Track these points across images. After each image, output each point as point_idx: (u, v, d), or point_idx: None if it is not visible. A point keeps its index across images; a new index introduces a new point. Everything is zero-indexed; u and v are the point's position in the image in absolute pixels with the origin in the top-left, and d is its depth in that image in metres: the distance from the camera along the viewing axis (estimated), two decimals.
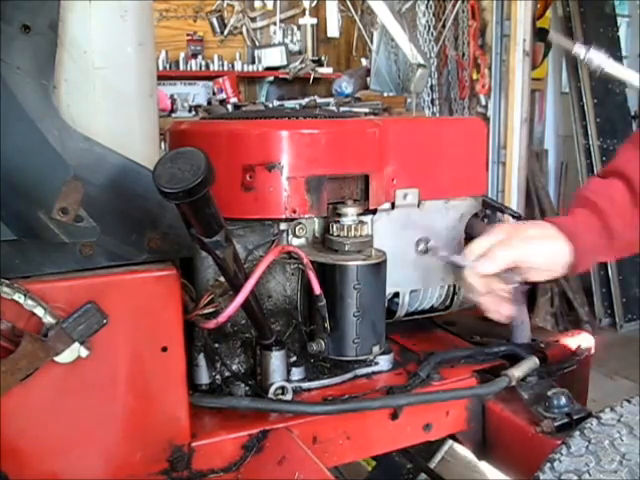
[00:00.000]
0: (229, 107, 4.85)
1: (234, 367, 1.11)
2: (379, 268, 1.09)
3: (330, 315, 1.06)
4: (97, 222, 0.88)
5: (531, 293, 1.28)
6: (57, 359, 0.84)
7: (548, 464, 0.90)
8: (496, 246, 1.05)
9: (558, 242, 1.06)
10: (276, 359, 1.07)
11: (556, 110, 5.13)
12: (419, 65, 3.29)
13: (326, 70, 5.40)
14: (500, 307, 1.10)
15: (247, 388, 1.08)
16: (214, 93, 5.16)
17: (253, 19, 5.42)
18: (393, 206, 1.19)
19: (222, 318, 0.98)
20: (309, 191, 1.08)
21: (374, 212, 1.17)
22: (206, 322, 1.01)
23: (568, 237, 1.06)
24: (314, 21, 5.32)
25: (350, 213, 1.09)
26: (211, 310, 1.04)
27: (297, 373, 1.12)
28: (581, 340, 1.30)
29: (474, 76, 4.14)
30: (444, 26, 4.25)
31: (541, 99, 4.77)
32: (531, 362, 1.17)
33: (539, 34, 4.13)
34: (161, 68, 4.90)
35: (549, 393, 1.09)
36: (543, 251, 1.06)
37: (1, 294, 0.81)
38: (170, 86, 5.09)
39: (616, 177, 1.12)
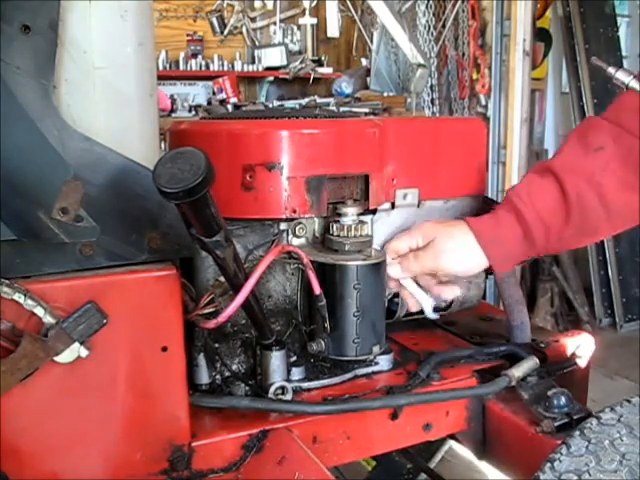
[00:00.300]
0: (229, 107, 4.85)
1: (234, 367, 1.11)
2: (379, 268, 1.09)
3: (330, 315, 1.06)
4: (97, 222, 0.88)
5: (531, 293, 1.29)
6: (57, 359, 0.84)
7: (548, 464, 0.90)
8: (409, 257, 1.11)
9: (473, 251, 1.07)
10: (276, 359, 1.07)
11: (556, 110, 5.14)
12: (419, 65, 3.29)
13: (326, 70, 5.40)
14: (408, 300, 1.16)
15: (247, 388, 1.08)
16: (214, 93, 5.16)
17: (253, 19, 5.42)
18: (393, 206, 1.19)
19: (222, 318, 0.98)
20: (309, 191, 1.08)
21: (374, 212, 1.17)
22: (206, 322, 1.01)
23: (484, 247, 1.06)
24: (314, 21, 5.31)
25: (350, 213, 1.09)
26: (211, 310, 1.04)
27: (297, 373, 1.12)
28: (581, 340, 1.30)
29: (474, 76, 4.15)
30: (444, 26, 4.26)
31: (541, 99, 4.77)
32: (531, 362, 1.17)
33: (539, 34, 4.14)
34: (161, 68, 4.90)
35: (549, 393, 1.09)
36: (455, 262, 1.08)
37: (1, 294, 0.81)
38: (170, 86, 5.09)
39: (552, 180, 1.06)
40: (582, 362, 1.27)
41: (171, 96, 4.96)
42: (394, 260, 1.12)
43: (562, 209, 1.05)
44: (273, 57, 5.27)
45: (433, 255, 1.09)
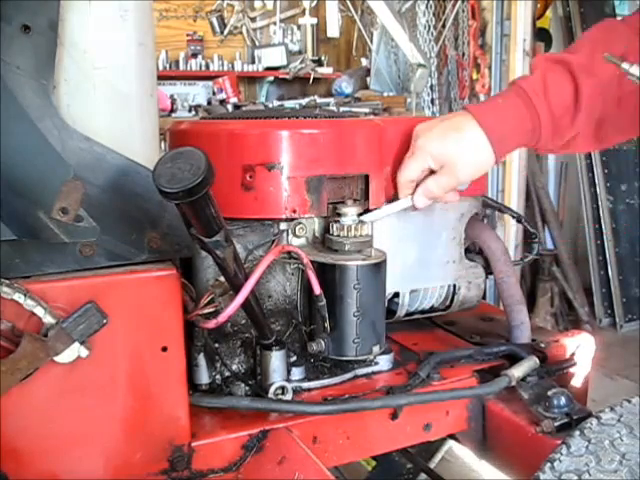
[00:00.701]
0: (229, 107, 4.85)
1: (234, 367, 1.11)
2: (379, 268, 1.09)
3: (330, 315, 1.06)
4: (97, 222, 0.88)
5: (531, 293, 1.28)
6: (57, 359, 0.83)
7: (548, 464, 0.90)
8: (427, 184, 1.10)
9: (483, 149, 1.06)
10: (276, 359, 1.07)
11: None
12: (419, 65, 3.29)
13: (326, 70, 5.40)
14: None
15: (247, 388, 1.08)
16: (214, 93, 5.16)
17: (253, 19, 5.42)
18: None
19: (222, 318, 0.98)
20: (309, 191, 1.08)
21: None
22: (206, 322, 1.01)
23: (492, 142, 1.05)
24: (314, 21, 5.32)
25: (350, 213, 1.09)
26: (211, 310, 1.04)
27: (297, 373, 1.12)
28: (581, 340, 1.30)
29: (474, 76, 4.15)
30: (444, 26, 4.26)
31: None
32: (531, 362, 1.17)
33: (539, 34, 4.14)
34: (161, 68, 4.90)
35: (549, 393, 1.09)
36: (472, 170, 1.08)
37: (1, 294, 0.81)
38: (170, 86, 5.09)
39: (569, 79, 1.04)
40: (583, 367, 1.26)
41: (171, 96, 4.95)
42: (409, 188, 1.11)
43: (572, 110, 1.04)
44: (273, 57, 5.27)
45: (453, 176, 1.08)
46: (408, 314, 1.28)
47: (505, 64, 3.84)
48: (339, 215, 1.10)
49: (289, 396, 1.06)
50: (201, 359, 1.07)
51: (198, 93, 5.26)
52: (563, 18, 4.58)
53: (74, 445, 0.89)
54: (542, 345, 1.27)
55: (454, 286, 1.29)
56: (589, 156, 4.56)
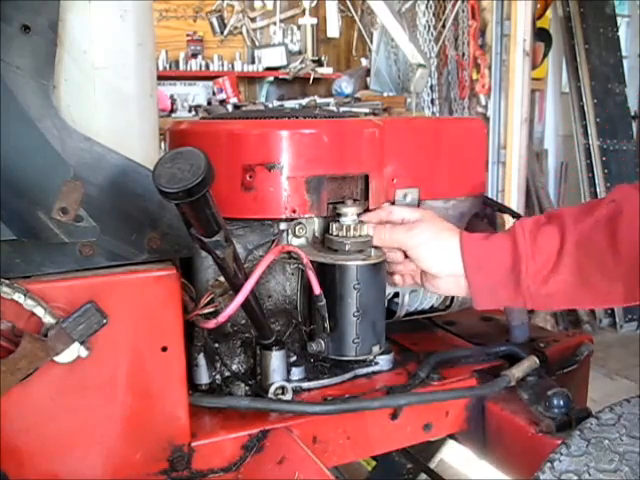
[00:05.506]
0: (229, 107, 4.85)
1: (234, 367, 1.11)
2: (379, 268, 1.09)
3: (330, 315, 1.06)
4: (97, 222, 0.88)
5: None
6: (57, 359, 0.84)
7: (548, 464, 0.90)
8: (386, 226, 1.11)
9: (450, 256, 1.05)
10: (276, 359, 1.07)
11: (556, 110, 5.14)
12: (419, 65, 3.29)
13: (326, 70, 5.40)
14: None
15: (247, 388, 1.08)
16: (214, 93, 5.16)
17: (253, 19, 5.42)
18: None
19: (222, 318, 0.98)
20: (309, 191, 1.08)
21: None
22: (206, 322, 1.01)
23: (468, 271, 1.03)
24: (314, 21, 5.32)
25: (350, 213, 1.09)
26: (211, 310, 1.04)
27: (297, 373, 1.12)
28: (581, 340, 1.30)
29: (474, 76, 4.15)
30: (444, 26, 4.26)
31: (541, 99, 4.78)
32: (531, 362, 1.17)
33: (539, 34, 4.14)
34: (161, 68, 4.90)
35: (549, 393, 1.09)
36: (429, 257, 1.07)
37: (1, 294, 0.81)
38: (170, 86, 5.09)
39: (554, 222, 1.02)
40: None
41: (171, 96, 4.95)
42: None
43: (557, 251, 0.99)
44: (273, 57, 5.27)
45: (409, 236, 1.08)
46: (408, 314, 1.28)
47: (505, 64, 3.85)
48: (339, 215, 1.10)
49: (289, 396, 1.06)
50: (201, 359, 1.07)
51: (198, 93, 5.25)
52: (563, 18, 4.58)
53: (74, 445, 0.89)
54: (542, 345, 1.27)
55: None
56: (589, 156, 4.56)
